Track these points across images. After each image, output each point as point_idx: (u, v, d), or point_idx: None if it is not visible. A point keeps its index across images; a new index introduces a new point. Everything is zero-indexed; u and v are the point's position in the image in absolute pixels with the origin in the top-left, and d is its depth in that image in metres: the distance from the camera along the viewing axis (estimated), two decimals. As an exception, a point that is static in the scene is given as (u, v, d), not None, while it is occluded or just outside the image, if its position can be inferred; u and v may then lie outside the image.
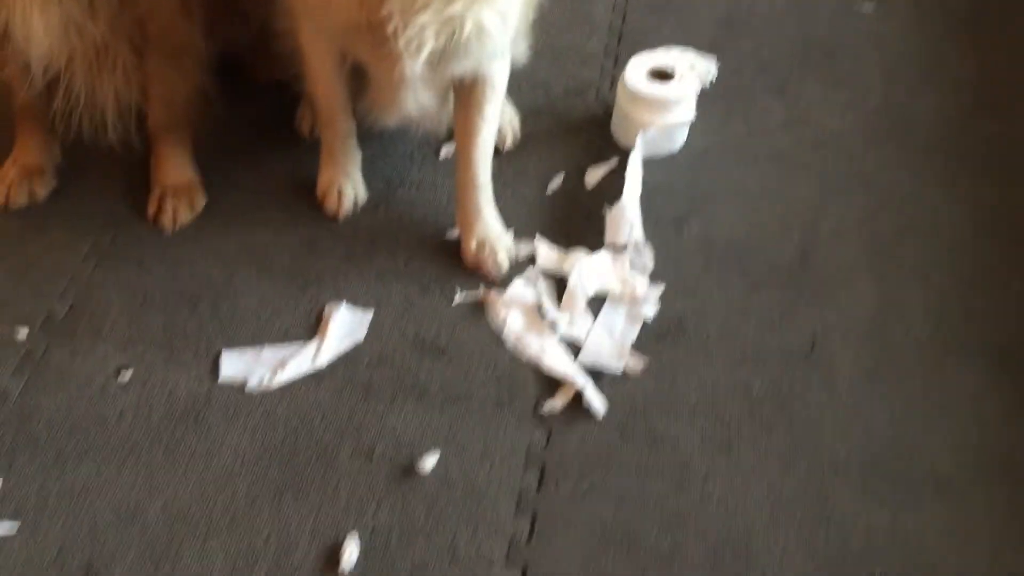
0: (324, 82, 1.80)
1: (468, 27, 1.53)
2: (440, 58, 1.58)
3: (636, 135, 2.04)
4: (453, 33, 1.53)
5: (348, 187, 1.95)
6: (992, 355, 1.76)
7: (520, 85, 2.14)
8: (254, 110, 2.13)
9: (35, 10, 1.51)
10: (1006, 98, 2.27)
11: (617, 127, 2.13)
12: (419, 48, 1.52)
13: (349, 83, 1.83)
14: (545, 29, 2.10)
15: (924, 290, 1.87)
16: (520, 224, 1.95)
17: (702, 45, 2.31)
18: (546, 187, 2.03)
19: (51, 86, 1.74)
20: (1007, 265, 1.92)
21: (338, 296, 1.82)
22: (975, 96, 2.28)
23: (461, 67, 1.64)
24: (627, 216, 1.89)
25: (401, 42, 1.51)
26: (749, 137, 2.16)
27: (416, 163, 2.07)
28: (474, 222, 1.87)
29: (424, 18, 1.49)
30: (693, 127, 2.11)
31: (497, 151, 1.97)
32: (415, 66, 1.57)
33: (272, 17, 1.97)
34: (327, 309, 1.79)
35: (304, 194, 1.99)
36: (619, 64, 2.27)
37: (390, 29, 1.50)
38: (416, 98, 1.69)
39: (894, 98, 2.26)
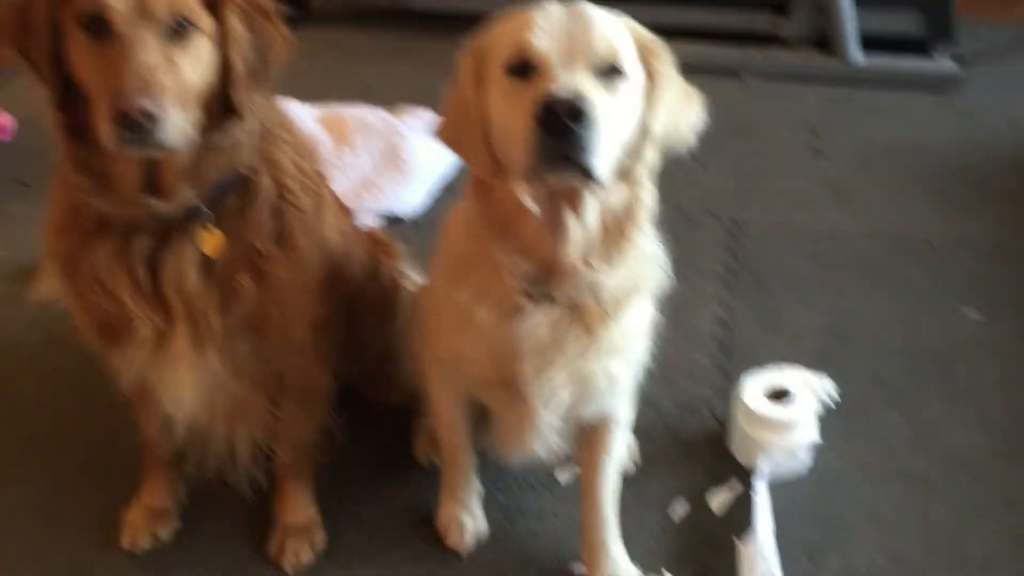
0: (449, 424, 1.81)
1: (600, 379, 1.54)
2: (570, 407, 1.59)
3: (758, 456, 1.99)
4: (585, 386, 1.54)
5: (469, 522, 1.91)
6: None
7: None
8: (370, 438, 2.14)
9: (187, 379, 1.58)
10: None
11: (738, 447, 2.09)
12: (552, 402, 1.54)
13: (473, 421, 1.84)
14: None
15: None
16: (645, 556, 1.87)
17: (812, 358, 2.31)
18: (668, 513, 1.97)
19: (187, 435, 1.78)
20: None
21: (460, 655, 1.74)
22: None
23: (590, 413, 1.65)
24: (764, 554, 1.80)
25: (534, 397, 1.53)
26: (876, 457, 2.09)
27: (535, 492, 2.04)
28: (601, 560, 1.81)
29: (557, 374, 1.51)
30: (817, 447, 2.06)
31: (617, 478, 1.93)
32: (547, 417, 1.58)
33: (390, 346, 2.03)
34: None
35: (423, 526, 1.95)
36: (730, 379, 2.26)
37: (523, 386, 1.52)
38: (543, 441, 1.69)
39: (1020, 412, 2.20)
